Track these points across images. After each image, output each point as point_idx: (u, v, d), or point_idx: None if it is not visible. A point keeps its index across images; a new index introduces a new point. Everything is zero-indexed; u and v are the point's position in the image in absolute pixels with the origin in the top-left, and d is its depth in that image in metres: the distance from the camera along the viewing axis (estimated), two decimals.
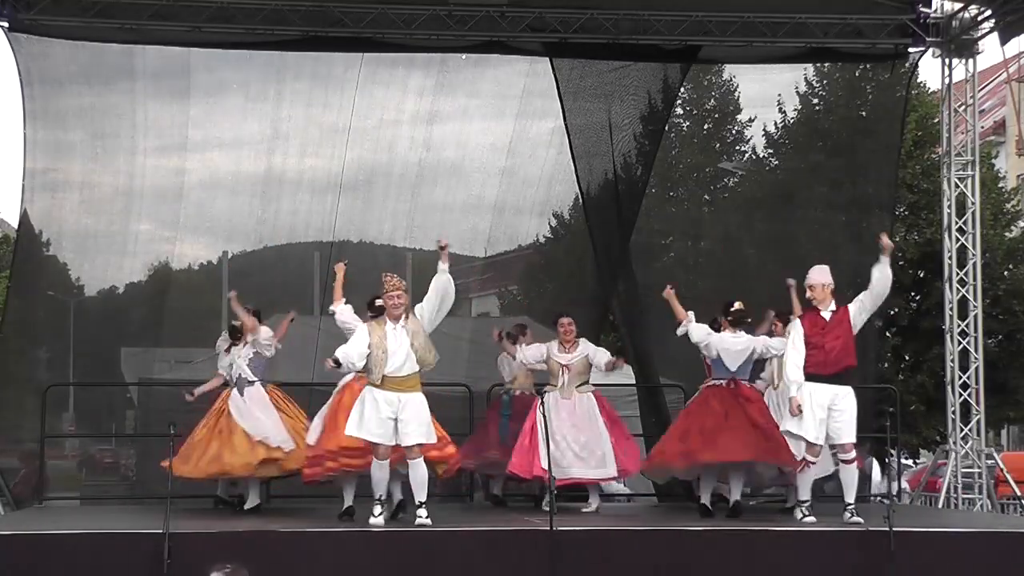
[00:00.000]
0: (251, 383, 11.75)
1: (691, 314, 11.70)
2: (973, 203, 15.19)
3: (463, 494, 13.81)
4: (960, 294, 15.13)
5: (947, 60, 15.21)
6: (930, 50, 15.21)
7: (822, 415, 10.61)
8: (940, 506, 14.97)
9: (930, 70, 37.50)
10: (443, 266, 10.38)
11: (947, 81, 15.35)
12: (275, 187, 15.51)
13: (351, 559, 9.78)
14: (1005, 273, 26.62)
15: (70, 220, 15.07)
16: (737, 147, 20.90)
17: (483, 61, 15.27)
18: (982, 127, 24.02)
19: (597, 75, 15.22)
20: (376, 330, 10.38)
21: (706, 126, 22.42)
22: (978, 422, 15.06)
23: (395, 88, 15.31)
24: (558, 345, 12.13)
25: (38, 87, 14.44)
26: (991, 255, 24.76)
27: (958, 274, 15.13)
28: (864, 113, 17.99)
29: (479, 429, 12.77)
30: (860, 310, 10.79)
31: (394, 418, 10.24)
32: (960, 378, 15.04)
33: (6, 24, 13.96)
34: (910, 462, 26.73)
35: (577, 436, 11.80)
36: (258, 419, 11.56)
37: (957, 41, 15.02)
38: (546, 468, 11.45)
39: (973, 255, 15.13)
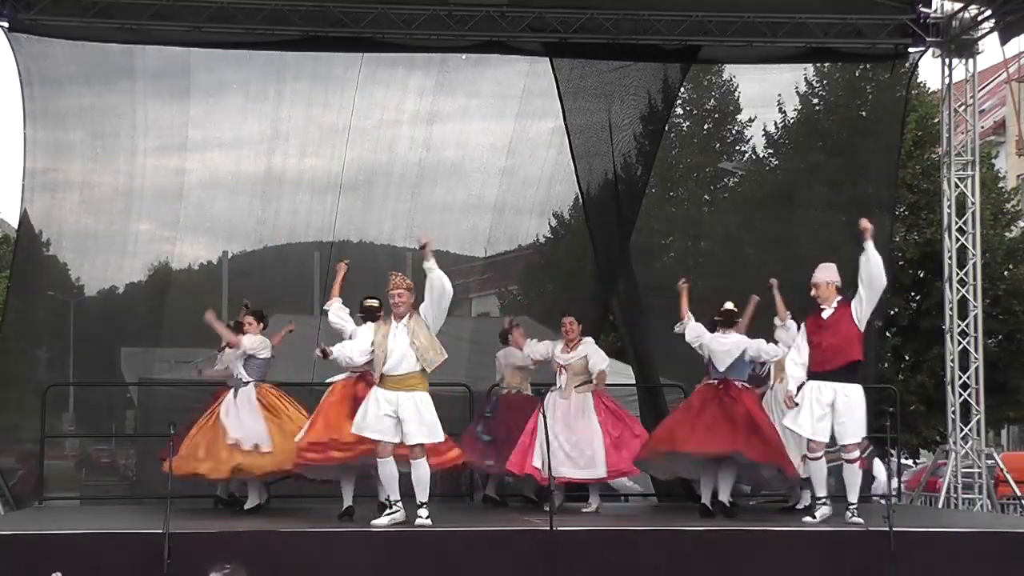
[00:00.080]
0: (245, 384, 11.76)
1: (690, 315, 11.76)
2: (973, 203, 15.20)
3: (463, 494, 13.81)
4: (960, 294, 15.14)
5: (947, 60, 15.22)
6: (930, 50, 15.22)
7: (820, 412, 10.60)
8: (940, 506, 14.97)
9: (930, 70, 37.58)
10: (429, 264, 10.31)
11: (947, 81, 15.36)
12: (275, 187, 15.51)
13: (351, 559, 9.78)
14: (1005, 273, 26.67)
15: (70, 220, 15.07)
16: (737, 147, 20.91)
17: (483, 61, 15.27)
18: (982, 127, 24.03)
19: (597, 75, 15.22)
20: (380, 329, 10.45)
21: (706, 126, 22.44)
22: (978, 422, 15.07)
23: (395, 88, 15.31)
24: (562, 345, 12.16)
25: (38, 87, 14.44)
26: (991, 255, 24.80)
27: (958, 274, 15.13)
28: (864, 113, 17.99)
29: (469, 427, 12.81)
30: (860, 301, 10.75)
31: (394, 416, 10.25)
32: (960, 378, 15.05)
33: (6, 24, 13.96)
34: (910, 462, 26.74)
35: (569, 436, 11.83)
36: (240, 421, 11.56)
37: (957, 41, 15.03)
38: (538, 467, 11.56)
39: (973, 255, 15.13)
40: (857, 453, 10.75)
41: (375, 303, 11.32)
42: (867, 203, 15.64)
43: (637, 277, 15.51)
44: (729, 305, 11.64)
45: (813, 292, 10.89)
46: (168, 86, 14.99)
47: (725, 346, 11.53)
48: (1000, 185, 29.44)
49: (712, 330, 11.71)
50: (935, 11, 15.02)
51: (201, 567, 7.83)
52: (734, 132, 21.45)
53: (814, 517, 10.78)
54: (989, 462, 15.36)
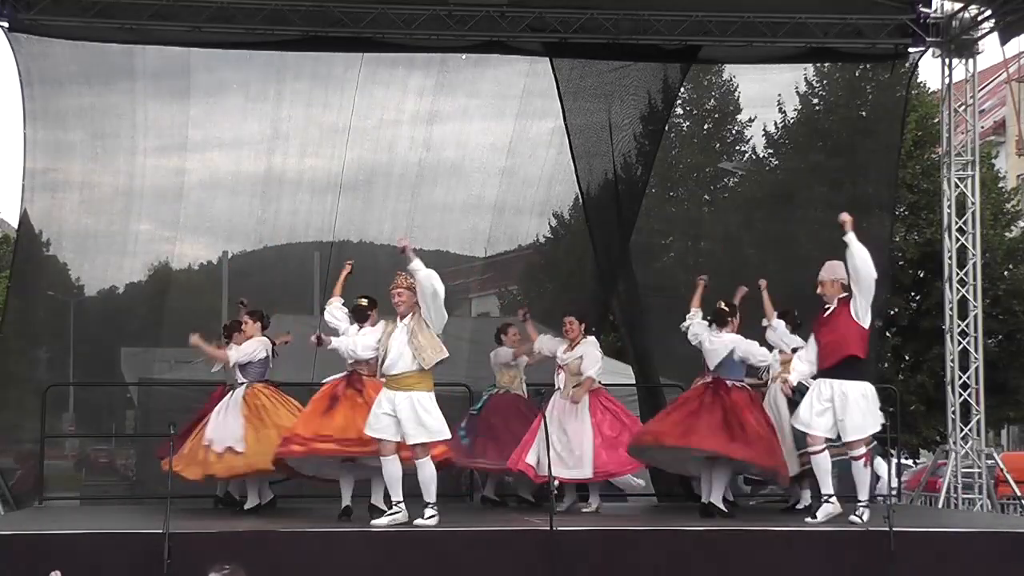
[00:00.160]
0: (240, 384, 11.75)
1: (698, 308, 11.85)
2: (973, 203, 15.19)
3: (463, 494, 13.81)
4: (960, 294, 15.13)
5: (947, 60, 15.22)
6: (930, 50, 15.22)
7: (820, 407, 10.59)
8: (940, 506, 14.97)
9: (930, 70, 37.67)
10: (413, 266, 10.25)
11: (947, 81, 15.35)
12: (275, 187, 15.52)
13: (351, 559, 9.77)
14: (1005, 273, 26.70)
15: (70, 220, 15.07)
16: (737, 147, 20.91)
17: (483, 61, 15.27)
18: (982, 127, 24.04)
19: (597, 75, 15.22)
20: (387, 328, 10.51)
21: (706, 126, 22.44)
22: (978, 422, 15.07)
23: (395, 88, 15.31)
24: (565, 345, 12.17)
25: (38, 87, 14.44)
26: (991, 255, 24.81)
27: (958, 274, 15.13)
28: (864, 113, 17.99)
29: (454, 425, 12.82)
30: (854, 296, 10.72)
31: (393, 415, 10.26)
32: (960, 378, 15.04)
33: (6, 24, 13.96)
34: (910, 462, 26.75)
35: (561, 435, 11.83)
36: (219, 423, 11.56)
37: (957, 41, 15.02)
38: (530, 464, 11.59)
39: (973, 255, 15.13)
40: (862, 450, 10.70)
41: (364, 302, 11.36)
42: (867, 203, 15.65)
43: (637, 277, 15.51)
44: (720, 305, 11.66)
45: (819, 290, 10.89)
46: (168, 86, 15.00)
47: (715, 345, 11.57)
48: (1000, 185, 29.47)
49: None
50: (935, 11, 15.02)
51: (201, 567, 7.82)
52: (734, 132, 21.46)
53: (815, 517, 10.77)
54: (989, 462, 15.36)
